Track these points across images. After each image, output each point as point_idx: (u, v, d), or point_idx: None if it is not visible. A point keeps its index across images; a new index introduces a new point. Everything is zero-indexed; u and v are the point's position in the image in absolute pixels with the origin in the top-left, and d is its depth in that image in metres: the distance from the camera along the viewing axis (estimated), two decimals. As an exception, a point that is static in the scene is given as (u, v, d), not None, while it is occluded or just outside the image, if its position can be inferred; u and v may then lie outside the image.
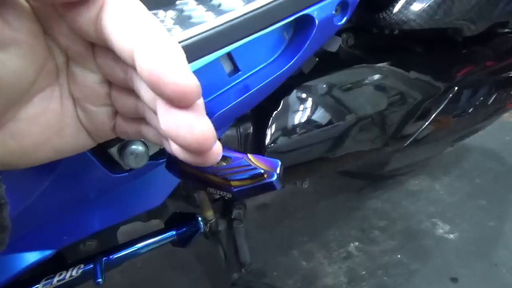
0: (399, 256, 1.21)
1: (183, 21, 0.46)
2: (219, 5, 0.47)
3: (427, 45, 0.82)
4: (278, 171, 0.31)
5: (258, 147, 0.66)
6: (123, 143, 0.43)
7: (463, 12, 0.68)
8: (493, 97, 0.92)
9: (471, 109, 0.89)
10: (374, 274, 1.15)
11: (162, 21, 0.47)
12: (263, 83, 0.50)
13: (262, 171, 0.30)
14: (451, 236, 1.26)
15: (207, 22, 0.43)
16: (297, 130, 0.67)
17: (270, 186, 0.31)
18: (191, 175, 0.34)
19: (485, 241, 1.24)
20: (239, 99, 0.49)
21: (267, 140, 0.65)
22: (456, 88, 0.83)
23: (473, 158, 1.60)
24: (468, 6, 0.68)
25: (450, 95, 0.83)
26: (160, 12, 0.50)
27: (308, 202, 1.44)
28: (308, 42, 0.49)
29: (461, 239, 1.25)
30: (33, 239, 0.49)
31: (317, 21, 0.49)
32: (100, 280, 0.59)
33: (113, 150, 0.43)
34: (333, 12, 0.50)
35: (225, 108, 0.48)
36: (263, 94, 0.52)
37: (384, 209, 1.39)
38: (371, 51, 0.77)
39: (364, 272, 1.16)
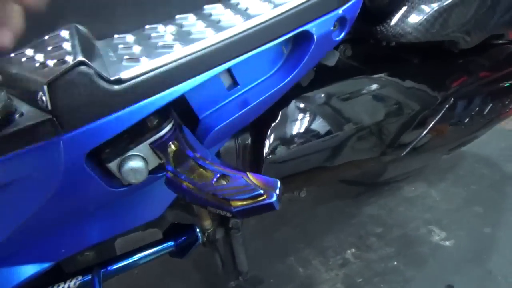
0: (395, 263, 1.21)
1: (183, 37, 0.46)
2: (219, 21, 0.47)
3: (423, 56, 0.82)
4: (277, 192, 0.31)
5: (257, 158, 0.66)
6: (122, 159, 0.43)
7: (459, 25, 0.69)
8: (489, 106, 0.93)
9: (468, 119, 0.90)
10: (371, 281, 1.16)
11: (162, 36, 0.47)
12: (262, 97, 0.50)
13: (262, 191, 0.31)
14: (447, 243, 1.27)
15: (207, 39, 0.44)
16: (295, 141, 0.67)
17: (269, 207, 0.31)
18: (191, 194, 0.35)
19: (481, 248, 1.24)
20: (238, 114, 0.49)
21: (266, 151, 0.65)
22: (452, 98, 0.84)
23: (469, 164, 1.60)
24: (464, 20, 0.69)
25: (447, 105, 0.84)
26: (160, 27, 0.50)
27: (304, 209, 1.44)
28: (306, 57, 0.50)
29: (457, 246, 1.25)
30: (32, 251, 0.49)
31: (315, 37, 0.49)
32: (98, 291, 0.59)
33: (112, 166, 0.43)
34: (332, 28, 0.50)
35: (224, 123, 0.49)
36: (261, 108, 0.53)
37: (380, 216, 1.39)
38: (368, 62, 0.77)
39: (360, 280, 1.16)
